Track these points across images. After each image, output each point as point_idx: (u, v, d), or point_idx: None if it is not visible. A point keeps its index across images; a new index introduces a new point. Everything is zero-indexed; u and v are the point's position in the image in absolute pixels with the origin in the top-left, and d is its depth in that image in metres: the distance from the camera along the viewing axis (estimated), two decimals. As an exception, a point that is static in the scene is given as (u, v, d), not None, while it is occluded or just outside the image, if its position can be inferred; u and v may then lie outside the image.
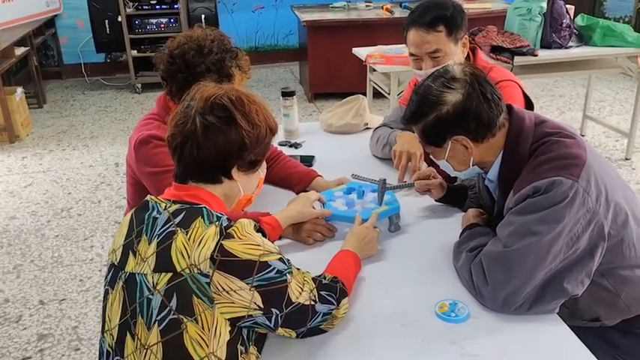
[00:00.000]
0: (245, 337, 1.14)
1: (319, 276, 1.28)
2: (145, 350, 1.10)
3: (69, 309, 2.70)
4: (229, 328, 1.10)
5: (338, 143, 2.36)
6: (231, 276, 1.09)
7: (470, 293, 1.37)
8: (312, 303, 1.19)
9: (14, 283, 2.91)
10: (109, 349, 1.17)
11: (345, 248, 1.46)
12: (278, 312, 1.13)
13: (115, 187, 3.89)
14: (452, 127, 1.37)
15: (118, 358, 1.14)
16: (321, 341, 1.25)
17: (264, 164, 1.34)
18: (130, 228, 1.21)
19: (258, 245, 1.13)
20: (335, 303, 1.23)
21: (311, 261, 1.40)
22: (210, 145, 1.18)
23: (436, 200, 1.79)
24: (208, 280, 1.08)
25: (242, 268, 1.10)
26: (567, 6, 3.82)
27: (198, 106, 1.19)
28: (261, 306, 1.11)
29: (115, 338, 1.16)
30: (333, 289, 1.25)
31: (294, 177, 1.93)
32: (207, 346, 1.08)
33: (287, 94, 2.34)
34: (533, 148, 1.38)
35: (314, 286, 1.21)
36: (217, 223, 1.13)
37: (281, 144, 2.32)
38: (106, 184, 3.94)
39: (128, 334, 1.13)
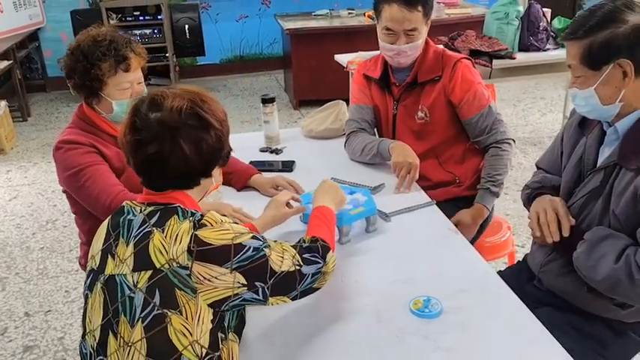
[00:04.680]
0: (225, 324, 1.16)
1: (298, 241, 1.31)
2: (128, 347, 1.12)
3: (54, 320, 2.70)
4: (211, 317, 1.13)
5: (318, 148, 2.39)
6: (209, 264, 1.12)
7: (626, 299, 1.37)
8: (298, 267, 1.21)
9: (-1, 295, 2.91)
10: (92, 351, 1.19)
11: (318, 205, 1.48)
12: (263, 284, 1.16)
13: (100, 198, 3.89)
14: (622, 48, 1.30)
15: (101, 357, 1.16)
16: (300, 337, 1.28)
17: None
18: (108, 233, 1.23)
19: (229, 230, 1.16)
20: (321, 261, 1.26)
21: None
22: (196, 155, 1.19)
23: None
24: (188, 272, 1.11)
25: (219, 255, 1.13)
26: (544, 9, 3.89)
27: (169, 121, 1.16)
28: (245, 283, 1.14)
29: (97, 339, 1.17)
30: (315, 249, 1.28)
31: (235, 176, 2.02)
32: (191, 335, 1.10)
33: (267, 100, 2.37)
34: None
35: (295, 252, 1.24)
36: (191, 218, 1.16)
37: (262, 150, 2.35)
38: (91, 195, 3.94)
39: (110, 333, 1.15)
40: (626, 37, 1.30)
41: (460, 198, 2.13)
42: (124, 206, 1.25)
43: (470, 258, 1.57)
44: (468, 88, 2.07)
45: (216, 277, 1.12)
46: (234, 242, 1.14)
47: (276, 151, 2.35)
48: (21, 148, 4.82)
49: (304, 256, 1.25)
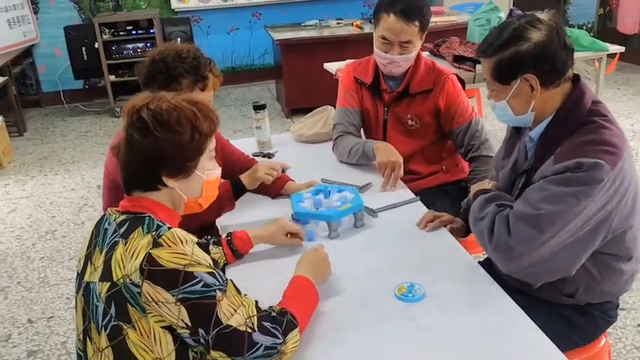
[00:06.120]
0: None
1: (270, 307, 1.24)
2: (99, 353, 1.16)
3: (57, 325, 2.78)
4: (171, 338, 1.13)
5: (308, 151, 2.49)
6: (157, 287, 1.09)
7: (479, 242, 1.49)
8: (249, 330, 1.13)
9: (2, 304, 2.97)
10: (80, 353, 1.25)
11: (300, 274, 1.39)
12: (204, 332, 1.10)
13: (97, 208, 3.97)
14: (527, 64, 1.40)
15: None
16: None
17: (215, 166, 1.34)
18: (91, 239, 1.27)
19: (185, 255, 1.12)
20: (280, 337, 1.16)
21: (289, 269, 1.44)
22: (134, 157, 1.21)
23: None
24: (139, 290, 1.10)
25: (167, 278, 1.09)
26: (525, 15, 4.02)
27: (125, 120, 1.23)
28: (189, 324, 1.10)
29: (82, 342, 1.23)
30: (279, 322, 1.18)
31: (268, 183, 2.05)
32: (152, 352, 1.12)
33: (258, 107, 2.48)
34: (584, 121, 1.42)
35: (254, 313, 1.16)
36: (154, 233, 1.15)
37: (255, 155, 2.45)
38: (88, 206, 4.03)
39: (88, 338, 1.20)
40: (530, 53, 1.40)
41: (448, 183, 2.30)
42: (105, 214, 1.30)
43: (451, 248, 1.68)
44: (453, 102, 2.21)
45: (162, 303, 1.09)
46: (186, 269, 1.10)
47: (269, 155, 2.45)
48: (18, 162, 4.90)
49: (263, 323, 1.15)
